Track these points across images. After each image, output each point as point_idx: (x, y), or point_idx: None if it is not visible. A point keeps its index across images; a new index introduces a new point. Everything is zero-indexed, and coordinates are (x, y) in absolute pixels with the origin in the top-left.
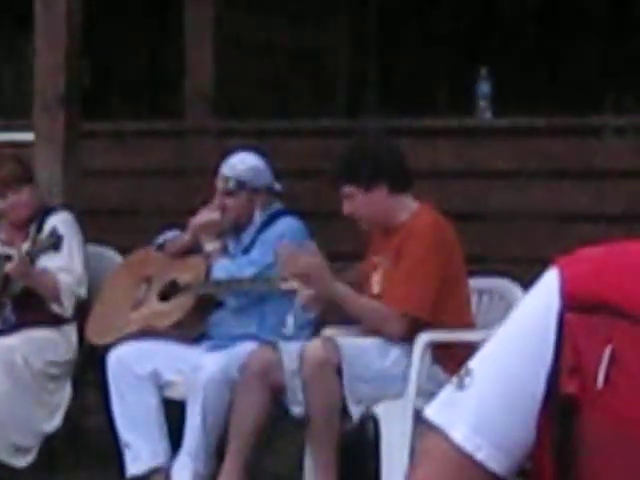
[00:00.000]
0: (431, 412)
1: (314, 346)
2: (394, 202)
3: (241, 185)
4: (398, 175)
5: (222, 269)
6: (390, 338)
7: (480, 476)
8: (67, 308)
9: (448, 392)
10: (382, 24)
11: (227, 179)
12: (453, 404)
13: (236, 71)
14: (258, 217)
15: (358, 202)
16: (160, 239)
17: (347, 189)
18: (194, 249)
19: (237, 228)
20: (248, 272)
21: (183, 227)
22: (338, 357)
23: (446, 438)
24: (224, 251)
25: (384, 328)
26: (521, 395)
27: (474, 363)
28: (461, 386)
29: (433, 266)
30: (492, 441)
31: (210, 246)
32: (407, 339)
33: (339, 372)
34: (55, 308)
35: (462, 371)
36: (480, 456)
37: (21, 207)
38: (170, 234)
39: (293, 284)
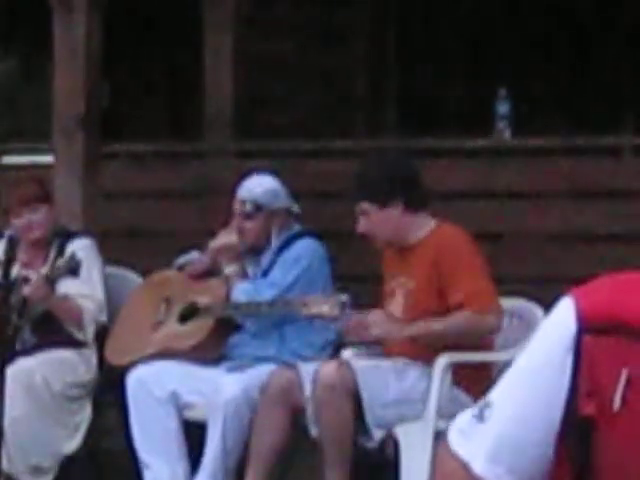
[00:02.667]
0: (452, 440)
1: (327, 369)
2: (409, 220)
3: (258, 208)
4: (414, 193)
5: (242, 292)
6: (492, 333)
7: None
8: (88, 334)
9: (469, 422)
10: (401, 44)
11: (244, 202)
12: (473, 435)
13: (255, 92)
14: (276, 239)
15: (373, 219)
16: (180, 260)
17: (363, 206)
18: (214, 271)
19: (255, 250)
20: (268, 294)
21: (203, 249)
22: (353, 381)
23: (465, 467)
24: (243, 273)
25: (483, 330)
26: (540, 422)
27: (494, 395)
28: (481, 418)
29: (482, 262)
30: (510, 467)
31: (229, 269)
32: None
33: (354, 395)
34: (75, 333)
35: (482, 403)
36: None
37: (36, 227)
38: (190, 255)
39: (314, 310)
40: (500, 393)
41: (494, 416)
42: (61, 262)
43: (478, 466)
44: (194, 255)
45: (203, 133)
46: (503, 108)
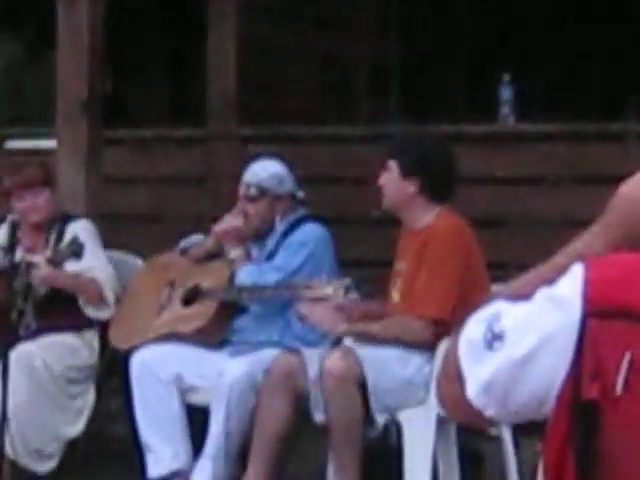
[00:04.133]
0: (461, 347)
1: (334, 359)
2: (421, 203)
3: (263, 192)
4: (434, 182)
5: (246, 274)
6: (419, 344)
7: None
8: (110, 302)
9: (478, 343)
10: (404, 29)
11: (249, 186)
12: (478, 358)
13: (259, 77)
14: (280, 224)
15: (390, 179)
16: (183, 244)
17: (390, 163)
18: (217, 255)
19: (259, 235)
20: (272, 278)
21: (206, 233)
22: (359, 368)
23: (461, 381)
24: (248, 257)
25: (409, 337)
26: (540, 376)
27: (509, 326)
28: (490, 347)
29: (452, 268)
30: (498, 402)
31: (234, 252)
32: (433, 343)
33: (360, 383)
34: (90, 311)
35: (498, 328)
36: (487, 413)
37: (37, 210)
38: (193, 239)
39: (318, 292)
40: (513, 330)
41: (502, 352)
42: (64, 246)
43: (471, 389)
44: (197, 238)
45: (206, 118)
46: (507, 93)
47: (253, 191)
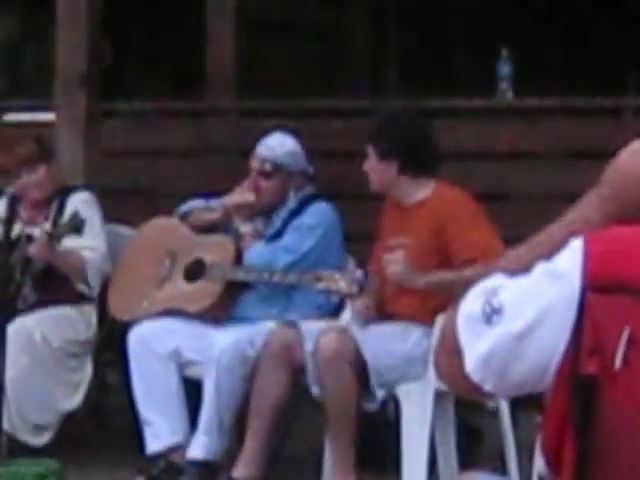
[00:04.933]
0: (460, 321)
1: (328, 339)
2: (405, 181)
3: (278, 168)
4: (413, 158)
5: (257, 254)
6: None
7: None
8: (94, 285)
9: (477, 317)
10: (403, 2)
11: (264, 160)
12: (477, 332)
13: (257, 51)
14: (292, 200)
15: (371, 165)
16: (183, 208)
17: (368, 147)
18: (218, 227)
19: (269, 210)
20: (284, 260)
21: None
22: (354, 348)
23: (459, 354)
24: (258, 234)
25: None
26: (538, 350)
27: (507, 301)
28: (489, 321)
29: (485, 217)
30: (495, 375)
31: (244, 227)
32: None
33: (356, 362)
34: (81, 287)
35: (496, 302)
36: (486, 387)
37: (34, 187)
38: (193, 203)
39: (331, 286)
40: (512, 304)
41: (500, 326)
42: (65, 221)
43: (469, 364)
44: (197, 203)
45: (205, 92)
46: (505, 69)
47: (268, 167)
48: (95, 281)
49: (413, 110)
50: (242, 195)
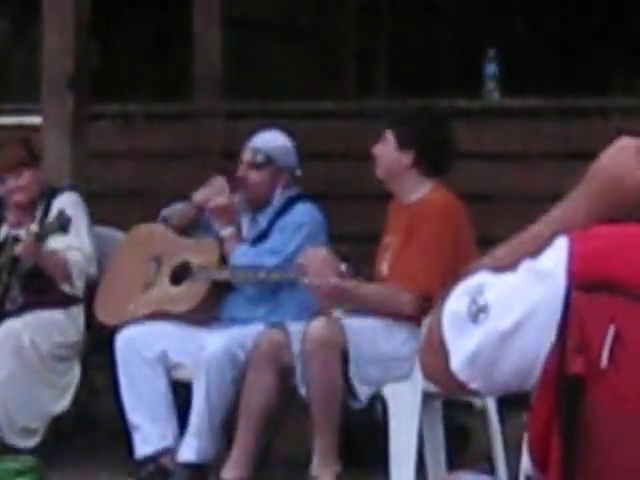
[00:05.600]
0: (445, 320)
1: (317, 325)
2: (413, 177)
3: (269, 160)
4: (427, 156)
5: (242, 256)
6: (405, 317)
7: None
8: (78, 287)
9: (462, 316)
10: (391, 3)
11: (257, 151)
12: (463, 331)
13: (245, 53)
14: (277, 199)
15: (386, 150)
16: (165, 212)
17: (387, 133)
18: (198, 224)
19: (254, 206)
20: (270, 262)
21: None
22: (343, 338)
23: (445, 354)
24: (238, 234)
25: (396, 307)
26: (524, 349)
27: (493, 299)
28: (475, 320)
29: (442, 243)
30: (482, 374)
31: (225, 231)
32: (419, 318)
33: (342, 351)
34: (66, 288)
35: (482, 301)
36: (472, 386)
37: (19, 191)
38: (175, 207)
39: (314, 279)
40: (497, 302)
41: (486, 324)
42: (51, 220)
43: (455, 362)
44: (179, 207)
45: (192, 94)
46: (492, 69)
47: (260, 157)
48: (79, 282)
49: (444, 110)
50: (222, 199)
